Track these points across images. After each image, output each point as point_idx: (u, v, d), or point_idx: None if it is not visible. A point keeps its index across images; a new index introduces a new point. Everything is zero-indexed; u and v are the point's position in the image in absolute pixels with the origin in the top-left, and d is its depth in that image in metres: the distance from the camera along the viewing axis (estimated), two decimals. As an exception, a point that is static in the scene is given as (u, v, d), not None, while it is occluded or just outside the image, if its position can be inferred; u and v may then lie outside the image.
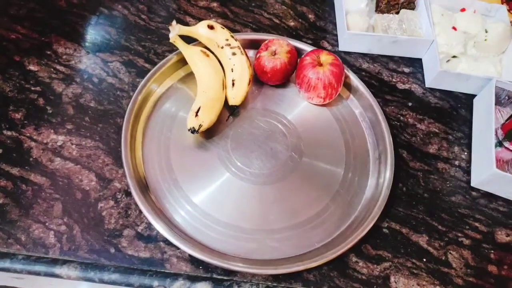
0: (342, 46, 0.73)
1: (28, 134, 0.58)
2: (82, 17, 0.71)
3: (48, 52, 0.66)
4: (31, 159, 0.56)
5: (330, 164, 0.60)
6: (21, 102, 0.60)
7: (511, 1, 0.82)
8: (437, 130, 0.66)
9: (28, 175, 0.54)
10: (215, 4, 0.77)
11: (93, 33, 0.69)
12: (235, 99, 0.62)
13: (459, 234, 0.57)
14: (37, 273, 0.49)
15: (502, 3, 0.81)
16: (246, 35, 0.70)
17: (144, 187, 0.55)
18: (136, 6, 0.74)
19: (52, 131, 0.58)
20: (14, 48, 0.65)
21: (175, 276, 0.49)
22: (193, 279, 0.50)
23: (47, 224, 0.51)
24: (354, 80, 0.66)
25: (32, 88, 0.62)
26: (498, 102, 0.68)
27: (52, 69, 0.64)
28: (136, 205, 0.53)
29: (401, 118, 0.67)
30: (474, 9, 0.78)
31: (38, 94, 0.61)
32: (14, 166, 0.55)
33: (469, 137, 0.66)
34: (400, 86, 0.70)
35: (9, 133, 0.57)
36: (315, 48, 0.67)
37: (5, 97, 0.60)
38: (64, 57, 0.66)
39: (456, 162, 0.63)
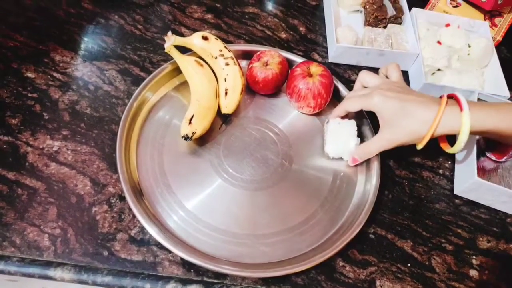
0: (332, 58, 0.76)
1: (24, 139, 0.59)
2: (79, 26, 0.73)
3: (45, 60, 0.67)
4: (27, 163, 0.57)
5: (319, 171, 0.62)
6: (18, 108, 0.61)
7: (494, 17, 0.85)
8: (422, 140, 0.69)
9: (23, 179, 0.55)
10: (209, 16, 0.79)
11: (90, 42, 0.71)
12: (227, 108, 0.63)
13: (443, 240, 0.59)
14: (31, 275, 0.49)
15: (485, 20, 0.85)
16: (239, 46, 0.73)
17: (138, 192, 0.56)
18: (133, 17, 0.76)
19: (48, 136, 0.60)
20: (12, 55, 0.67)
21: (167, 279, 0.51)
22: (185, 282, 0.51)
23: (41, 227, 0.52)
24: (343, 91, 0.69)
25: (29, 95, 0.63)
26: (481, 113, 0.71)
27: (49, 76, 0.66)
28: (130, 209, 0.54)
29: (388, 128, 0.69)
30: (458, 24, 0.82)
31: (35, 101, 0.63)
32: (10, 171, 0.56)
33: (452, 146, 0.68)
34: (387, 97, 0.73)
35: (5, 138, 0.59)
36: (305, 59, 0.69)
37: (2, 103, 0.62)
38: (61, 64, 0.67)
39: (440, 171, 0.66)
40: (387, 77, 0.63)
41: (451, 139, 0.61)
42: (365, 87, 0.62)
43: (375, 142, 0.59)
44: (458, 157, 0.66)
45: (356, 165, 0.63)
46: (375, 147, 0.59)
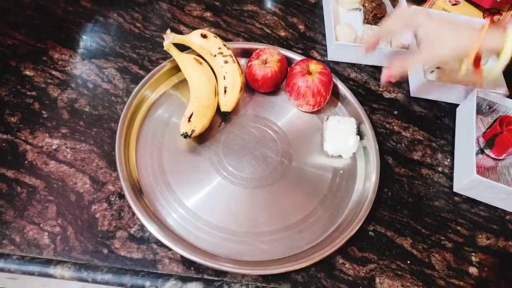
0: (331, 56, 0.76)
1: (23, 138, 0.59)
2: (78, 25, 0.73)
3: (44, 58, 0.67)
4: (26, 162, 0.57)
5: (319, 169, 0.62)
6: (16, 106, 0.61)
7: (492, 15, 0.85)
8: (421, 138, 0.69)
9: (23, 178, 0.55)
10: (208, 14, 0.79)
11: (89, 40, 0.71)
12: (226, 106, 0.63)
13: (442, 237, 0.59)
14: (31, 273, 0.49)
15: (484, 17, 0.85)
16: (238, 44, 0.73)
17: (138, 190, 0.56)
18: (131, 15, 0.76)
19: (47, 134, 0.59)
20: (10, 53, 0.67)
21: (167, 277, 0.51)
22: (185, 279, 0.51)
23: (41, 225, 0.52)
24: (342, 88, 0.69)
25: (28, 93, 0.63)
26: (480, 111, 0.71)
27: (47, 75, 0.65)
28: (129, 207, 0.54)
29: (387, 125, 0.69)
30: (457, 22, 0.82)
31: (34, 99, 0.63)
32: (9, 169, 0.56)
33: (452, 144, 0.69)
34: (386, 95, 0.73)
35: (4, 136, 0.58)
36: (304, 57, 0.69)
37: (1, 101, 0.61)
38: (59, 63, 0.67)
39: (439, 169, 0.66)
40: None
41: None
42: None
43: (419, 53, 0.58)
44: (457, 154, 0.66)
45: (388, 83, 0.61)
46: (418, 58, 0.58)
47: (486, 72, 0.58)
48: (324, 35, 0.80)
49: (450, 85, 0.70)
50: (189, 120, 0.59)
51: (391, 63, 0.59)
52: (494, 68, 0.56)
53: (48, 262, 0.50)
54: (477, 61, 0.57)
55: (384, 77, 0.60)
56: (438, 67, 0.75)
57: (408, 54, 0.59)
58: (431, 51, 0.56)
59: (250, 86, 0.68)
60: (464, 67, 0.56)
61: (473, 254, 0.58)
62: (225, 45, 0.65)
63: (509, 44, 0.53)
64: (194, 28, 0.75)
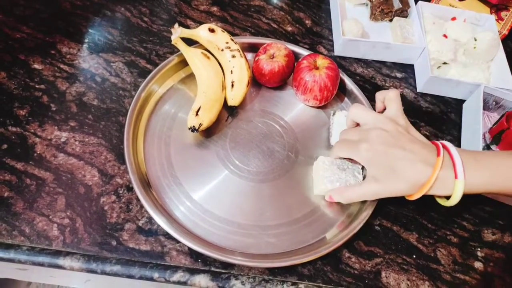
0: (338, 51, 0.76)
1: (32, 130, 0.59)
2: (85, 18, 0.73)
3: (52, 52, 0.67)
4: (35, 154, 0.57)
5: (325, 163, 0.63)
6: (25, 99, 0.62)
7: (500, 11, 0.85)
8: (427, 133, 0.69)
9: (32, 170, 0.56)
10: (215, 9, 0.79)
11: (96, 34, 0.71)
12: (234, 100, 0.64)
13: (448, 232, 0.59)
14: (41, 264, 0.50)
15: (491, 13, 0.84)
16: (245, 38, 0.73)
17: (146, 183, 0.56)
18: (139, 9, 0.76)
19: (55, 127, 0.60)
20: (19, 47, 0.67)
21: (174, 269, 0.51)
22: (192, 271, 0.51)
23: (50, 217, 0.53)
24: (349, 83, 0.69)
25: (37, 86, 0.63)
26: (486, 107, 0.71)
27: (56, 68, 0.66)
28: (138, 200, 0.55)
29: (394, 121, 0.69)
30: (465, 18, 0.82)
31: (42, 92, 0.63)
32: (19, 161, 0.56)
33: (458, 140, 0.69)
34: (393, 90, 0.73)
35: (13, 129, 0.59)
36: (311, 52, 0.70)
37: (10, 94, 0.62)
38: (68, 56, 0.67)
39: (446, 164, 0.66)
40: (384, 109, 0.58)
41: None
42: (357, 124, 0.58)
43: (357, 190, 0.54)
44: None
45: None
46: (356, 194, 0.55)
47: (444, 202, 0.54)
48: (330, 30, 0.80)
49: (457, 81, 0.70)
50: (196, 114, 0.59)
51: (334, 191, 0.56)
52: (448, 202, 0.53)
53: (58, 253, 0.50)
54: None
55: (327, 198, 0.57)
56: (444, 63, 0.75)
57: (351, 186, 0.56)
58: (373, 191, 0.53)
59: (257, 81, 0.68)
60: (410, 198, 0.53)
61: (479, 249, 0.59)
62: (232, 40, 0.65)
63: (458, 193, 0.50)
64: (201, 23, 0.75)
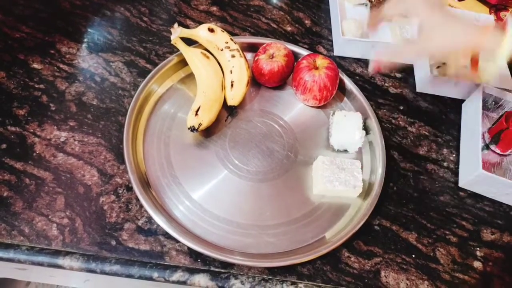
0: (337, 51, 0.76)
1: (31, 130, 0.59)
2: (85, 18, 0.73)
3: (52, 51, 0.67)
4: (34, 154, 0.57)
5: (324, 163, 0.63)
6: (25, 99, 0.62)
7: (499, 11, 0.85)
8: (427, 133, 0.69)
9: (31, 170, 0.56)
10: (214, 8, 0.79)
11: (96, 34, 0.71)
12: (233, 100, 0.64)
13: (447, 232, 0.59)
14: (40, 264, 0.50)
15: (490, 13, 0.84)
16: (244, 38, 0.73)
17: (145, 182, 0.56)
18: (138, 9, 0.76)
19: (55, 127, 0.60)
20: (18, 46, 0.67)
21: (174, 268, 0.51)
22: (192, 271, 0.51)
23: (50, 217, 0.53)
24: (348, 83, 0.69)
25: (36, 86, 0.63)
26: (485, 107, 0.71)
27: (55, 68, 0.66)
28: (137, 199, 0.55)
29: (393, 121, 0.69)
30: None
31: (42, 92, 0.63)
32: (18, 161, 0.56)
33: (457, 140, 0.69)
34: (392, 90, 0.73)
35: (13, 128, 0.59)
36: (311, 52, 0.70)
37: (10, 94, 0.62)
38: (67, 56, 0.67)
39: (445, 164, 0.66)
40: None
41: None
42: None
43: (413, 43, 0.58)
44: (463, 150, 0.67)
45: (377, 72, 0.61)
46: (411, 48, 0.58)
47: (484, 69, 0.57)
48: (330, 30, 0.80)
49: (456, 81, 0.71)
50: (196, 114, 0.59)
51: (381, 53, 0.58)
52: (491, 66, 0.55)
53: (57, 253, 0.50)
54: (474, 61, 0.57)
55: (372, 67, 0.59)
56: (444, 63, 0.75)
57: (399, 46, 0.58)
58: (428, 43, 0.55)
59: (256, 81, 0.68)
60: (461, 63, 0.56)
61: (478, 248, 0.59)
62: (232, 39, 0.65)
63: (509, 42, 0.52)
64: (200, 23, 0.75)
